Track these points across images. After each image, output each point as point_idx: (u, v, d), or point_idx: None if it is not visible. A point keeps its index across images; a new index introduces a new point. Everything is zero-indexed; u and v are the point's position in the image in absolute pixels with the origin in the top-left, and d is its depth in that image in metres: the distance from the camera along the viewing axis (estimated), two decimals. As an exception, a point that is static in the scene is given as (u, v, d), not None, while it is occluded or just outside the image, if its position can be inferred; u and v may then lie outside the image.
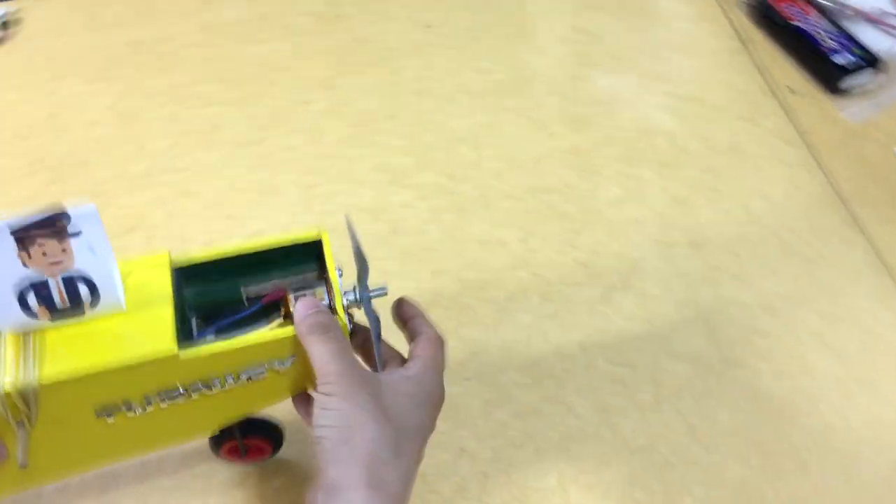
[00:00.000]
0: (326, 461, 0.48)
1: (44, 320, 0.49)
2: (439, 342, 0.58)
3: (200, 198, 0.96)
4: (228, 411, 0.57)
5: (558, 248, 0.88)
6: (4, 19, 1.20)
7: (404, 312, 0.61)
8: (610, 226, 0.90)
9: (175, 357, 0.49)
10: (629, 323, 0.82)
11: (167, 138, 1.03)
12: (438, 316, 0.85)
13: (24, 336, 0.49)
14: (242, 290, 0.57)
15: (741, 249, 0.89)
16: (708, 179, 0.96)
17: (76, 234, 0.45)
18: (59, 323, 0.49)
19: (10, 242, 0.45)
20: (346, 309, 0.55)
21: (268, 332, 0.52)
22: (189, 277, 0.55)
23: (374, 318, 0.56)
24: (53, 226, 0.45)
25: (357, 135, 1.01)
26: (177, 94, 1.09)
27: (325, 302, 0.55)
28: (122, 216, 0.94)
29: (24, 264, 0.46)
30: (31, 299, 0.47)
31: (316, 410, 0.50)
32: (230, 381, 0.52)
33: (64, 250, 0.46)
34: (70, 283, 0.47)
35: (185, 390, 0.51)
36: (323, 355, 0.51)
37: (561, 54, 1.11)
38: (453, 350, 0.81)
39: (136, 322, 0.50)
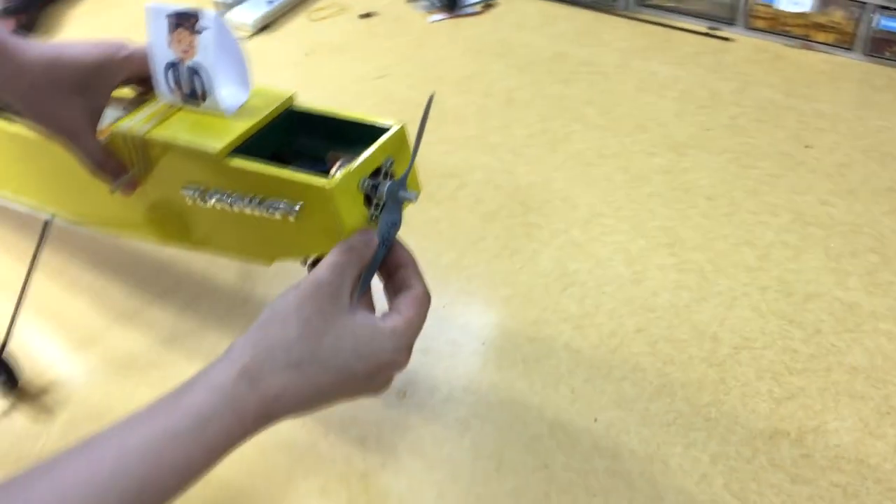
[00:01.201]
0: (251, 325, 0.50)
1: (177, 99, 0.66)
2: (426, 302, 0.55)
3: (512, 179, 1.11)
4: (260, 241, 0.66)
5: (757, 388, 0.85)
6: (489, 1, 1.48)
7: (395, 257, 0.58)
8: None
9: (217, 158, 0.61)
10: (798, 482, 0.77)
11: (530, 128, 1.20)
12: (609, 360, 0.90)
13: (167, 107, 0.67)
14: (330, 153, 0.64)
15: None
16: None
17: (201, 31, 0.62)
18: (186, 106, 0.66)
19: (164, 25, 0.64)
20: (366, 188, 0.57)
21: (283, 170, 0.58)
22: (310, 129, 0.66)
23: (391, 221, 0.57)
24: (189, 20, 0.63)
25: (672, 198, 1.06)
26: (560, 103, 1.25)
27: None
28: (446, 164, 1.13)
29: (169, 46, 0.64)
30: (170, 78, 0.66)
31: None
32: (256, 204, 0.60)
33: (192, 43, 0.63)
34: (192, 73, 0.64)
35: (229, 196, 0.62)
36: (325, 261, 0.53)
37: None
38: (603, 420, 0.84)
39: (223, 125, 0.63)
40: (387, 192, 0.58)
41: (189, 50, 0.65)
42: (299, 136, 0.68)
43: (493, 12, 1.48)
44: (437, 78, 1.32)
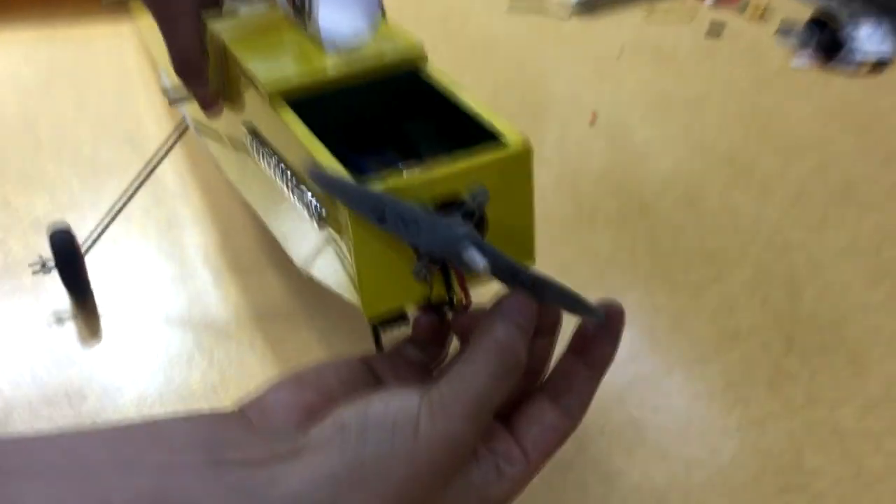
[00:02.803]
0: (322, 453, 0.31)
1: (289, 10, 0.50)
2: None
3: (794, 297, 0.76)
4: (300, 241, 0.47)
5: None
6: (886, 59, 1.09)
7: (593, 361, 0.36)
8: None
9: (267, 95, 0.43)
10: None
11: (855, 231, 0.83)
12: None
13: (282, 19, 0.51)
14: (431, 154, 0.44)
15: None
16: None
17: None
18: (293, 21, 0.50)
19: None
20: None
21: (315, 145, 0.38)
22: (428, 108, 0.45)
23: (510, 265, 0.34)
24: None
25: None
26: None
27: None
28: (710, 244, 0.82)
29: None
30: None
31: (391, 400, 0.32)
32: (291, 183, 0.42)
33: None
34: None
35: (272, 157, 0.45)
36: (465, 394, 0.32)
37: None
38: None
39: (312, 60, 0.46)
40: (442, 238, 0.33)
41: None
42: (414, 114, 0.45)
43: (885, 76, 1.09)
44: (760, 130, 0.98)
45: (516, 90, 1.06)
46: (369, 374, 0.38)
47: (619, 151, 0.95)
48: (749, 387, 0.68)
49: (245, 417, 0.34)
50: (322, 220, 0.38)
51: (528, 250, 0.39)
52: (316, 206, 0.38)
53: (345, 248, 0.37)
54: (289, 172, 0.42)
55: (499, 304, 0.35)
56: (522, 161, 0.36)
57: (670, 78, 1.09)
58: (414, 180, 0.35)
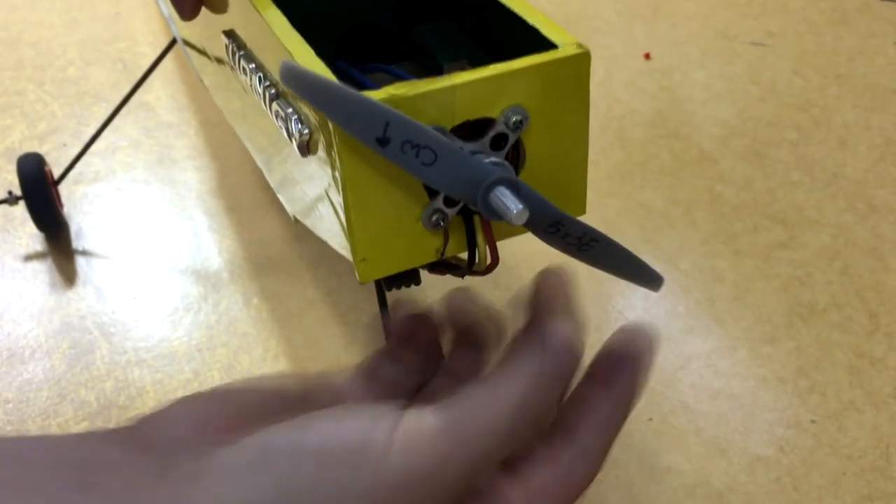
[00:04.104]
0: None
1: None
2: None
3: (875, 268, 0.65)
4: (283, 174, 0.37)
5: None
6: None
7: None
8: None
9: None
10: None
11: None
12: None
13: None
14: (452, 64, 0.33)
15: None
16: None
17: None
18: None
19: None
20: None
21: (298, 44, 0.28)
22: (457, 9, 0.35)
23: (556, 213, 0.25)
24: None
25: None
26: None
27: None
28: (784, 199, 0.70)
29: None
30: None
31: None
32: (270, 95, 0.31)
33: None
34: None
35: (249, 63, 0.34)
36: (513, 394, 0.23)
37: None
38: None
39: None
40: (463, 174, 0.24)
41: None
42: (431, 17, 0.35)
43: None
44: (840, 73, 0.86)
45: (556, 22, 0.94)
46: (330, 398, 0.28)
47: (676, 93, 0.83)
48: (826, 372, 0.58)
49: (139, 434, 0.25)
50: (304, 145, 0.28)
51: (577, 198, 0.29)
52: (297, 124, 0.28)
53: (334, 185, 0.27)
54: (267, 82, 0.32)
55: (535, 327, 0.24)
56: (576, 69, 0.26)
57: (736, 10, 0.97)
58: (424, 90, 0.24)
